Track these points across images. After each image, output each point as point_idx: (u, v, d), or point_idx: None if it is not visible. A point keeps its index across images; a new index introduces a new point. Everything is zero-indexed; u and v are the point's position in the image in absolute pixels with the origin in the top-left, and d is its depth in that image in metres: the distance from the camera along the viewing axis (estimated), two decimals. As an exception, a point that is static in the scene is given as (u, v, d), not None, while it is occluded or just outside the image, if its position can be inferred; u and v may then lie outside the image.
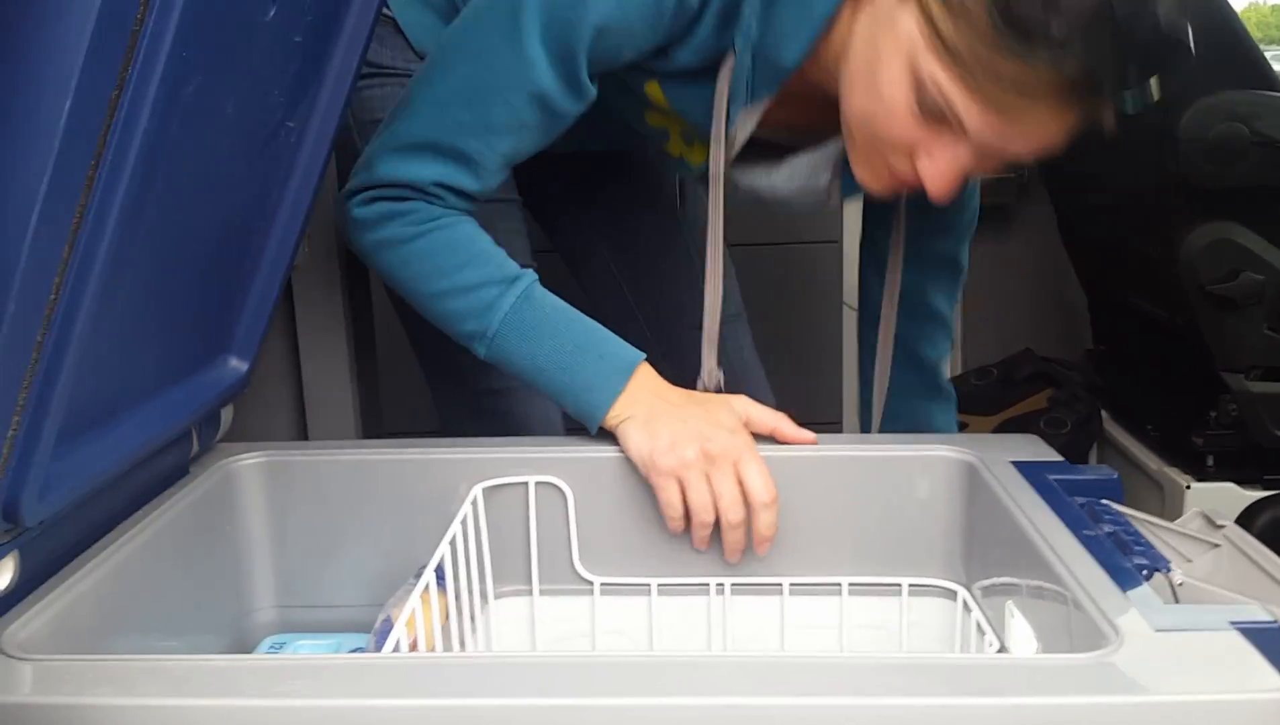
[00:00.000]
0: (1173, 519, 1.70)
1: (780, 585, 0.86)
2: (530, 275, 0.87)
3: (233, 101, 0.63)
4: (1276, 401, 1.60)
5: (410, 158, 0.84)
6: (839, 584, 0.85)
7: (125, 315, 0.62)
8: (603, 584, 0.86)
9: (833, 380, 1.91)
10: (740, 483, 0.81)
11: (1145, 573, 0.63)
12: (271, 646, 0.85)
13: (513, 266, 0.88)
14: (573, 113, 0.85)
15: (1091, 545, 0.65)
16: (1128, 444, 1.88)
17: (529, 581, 0.86)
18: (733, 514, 0.81)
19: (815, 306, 1.89)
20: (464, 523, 0.81)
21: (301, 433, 1.11)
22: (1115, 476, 0.78)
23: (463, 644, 0.81)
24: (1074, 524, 0.68)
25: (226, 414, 0.85)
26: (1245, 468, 1.64)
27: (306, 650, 0.85)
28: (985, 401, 2.09)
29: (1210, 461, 1.66)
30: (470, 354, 1.03)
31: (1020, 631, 0.70)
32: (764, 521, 0.81)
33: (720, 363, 1.09)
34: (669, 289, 1.20)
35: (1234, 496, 1.63)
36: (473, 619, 0.83)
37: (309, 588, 0.87)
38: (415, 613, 0.71)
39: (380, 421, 1.24)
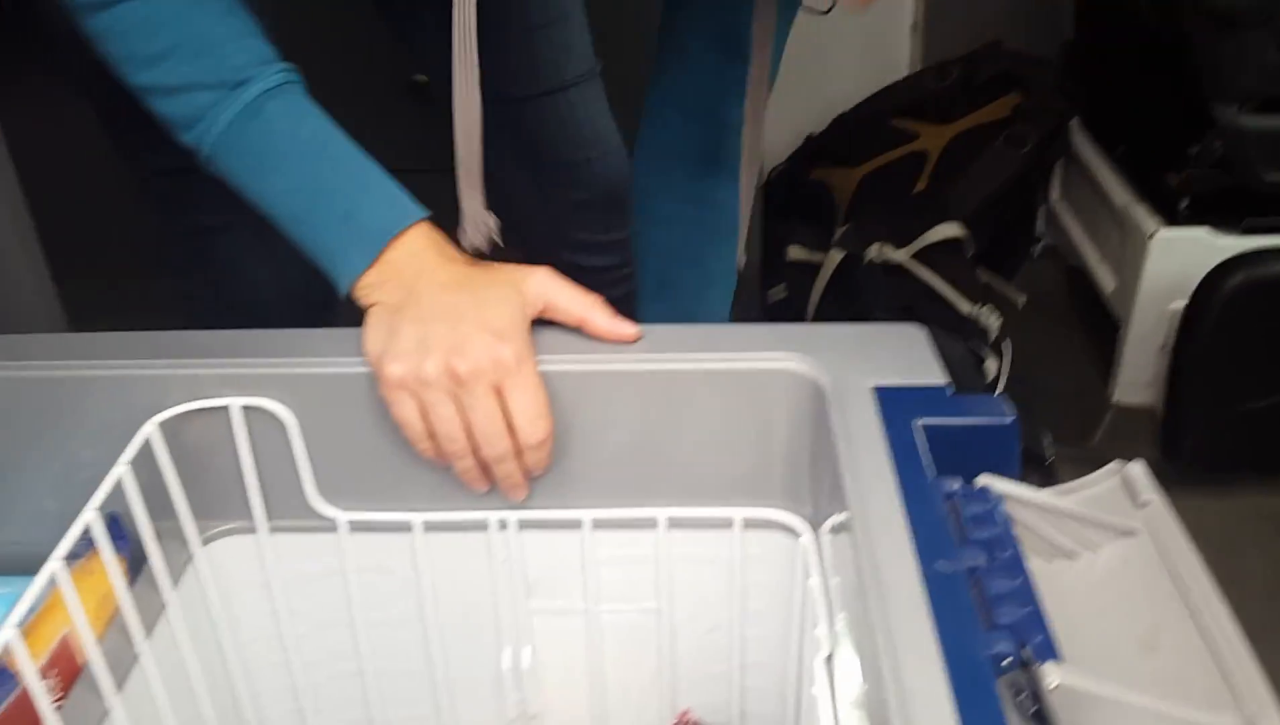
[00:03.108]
0: (1132, 274, 1.50)
1: (579, 521, 0.67)
2: (267, 77, 0.62)
3: None
4: (1271, 139, 1.34)
5: None
6: (653, 518, 0.66)
7: None
8: (351, 521, 0.67)
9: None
10: (504, 408, 0.60)
11: (1007, 661, 0.44)
12: (-69, 602, 0.67)
13: (243, 60, 0.62)
14: None
15: (939, 602, 0.45)
16: (1095, 168, 1.64)
17: (252, 518, 0.67)
18: (490, 447, 0.60)
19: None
20: (143, 458, 0.61)
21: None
22: (1009, 421, 0.56)
23: (164, 601, 0.64)
24: (927, 545, 0.48)
25: None
26: (1222, 213, 1.41)
27: (-21, 603, 0.67)
28: (940, 108, 1.81)
29: (1184, 204, 1.43)
30: (174, 177, 0.77)
31: (848, 667, 0.52)
32: (531, 461, 0.61)
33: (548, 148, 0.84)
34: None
35: (1205, 246, 1.41)
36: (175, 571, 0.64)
37: (-26, 525, 0.68)
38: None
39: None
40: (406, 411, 0.60)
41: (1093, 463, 0.59)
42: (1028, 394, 1.44)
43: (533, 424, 0.59)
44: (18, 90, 1.18)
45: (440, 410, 0.59)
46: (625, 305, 1.05)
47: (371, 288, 0.62)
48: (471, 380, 0.58)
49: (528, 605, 0.70)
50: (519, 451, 0.61)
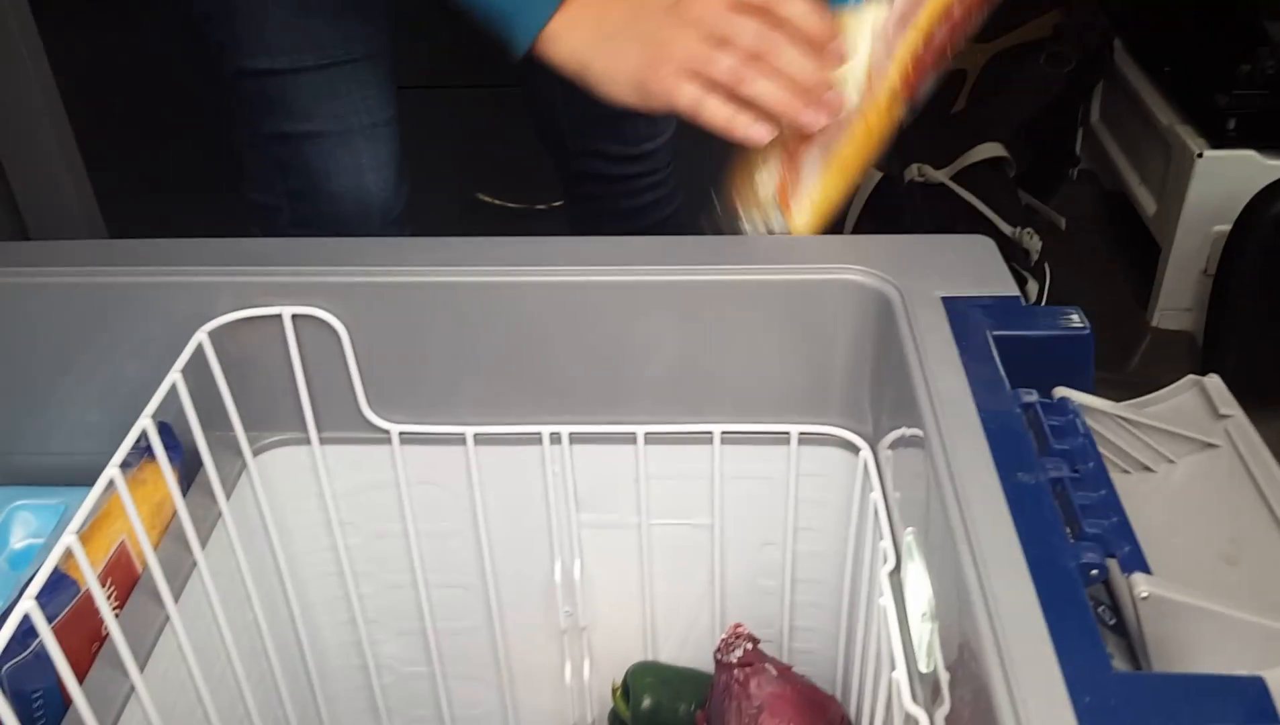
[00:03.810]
0: (1175, 197, 1.47)
1: (633, 435, 0.66)
2: None
3: None
4: (1328, 56, 1.30)
5: None
6: (709, 432, 0.65)
7: None
8: (403, 433, 0.66)
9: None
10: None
11: (1094, 571, 0.43)
12: (-18, 510, 0.67)
13: None
14: None
15: (1022, 514, 0.44)
16: (1139, 88, 1.60)
17: (304, 429, 0.66)
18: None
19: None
20: (193, 368, 0.60)
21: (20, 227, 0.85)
22: (1085, 332, 0.55)
23: (221, 511, 0.63)
24: (1006, 457, 0.47)
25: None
26: (1270, 134, 1.38)
27: (29, 511, 0.67)
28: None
29: (1232, 125, 1.39)
30: (265, 79, 0.75)
31: (918, 580, 0.51)
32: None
33: None
34: None
35: (1253, 168, 1.38)
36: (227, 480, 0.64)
37: (22, 434, 0.68)
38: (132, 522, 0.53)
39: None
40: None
41: (1130, 388, 0.58)
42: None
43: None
44: (60, 9, 1.15)
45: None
46: (650, 214, 1.04)
47: (559, 33, 0.60)
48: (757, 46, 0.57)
49: (578, 518, 0.70)
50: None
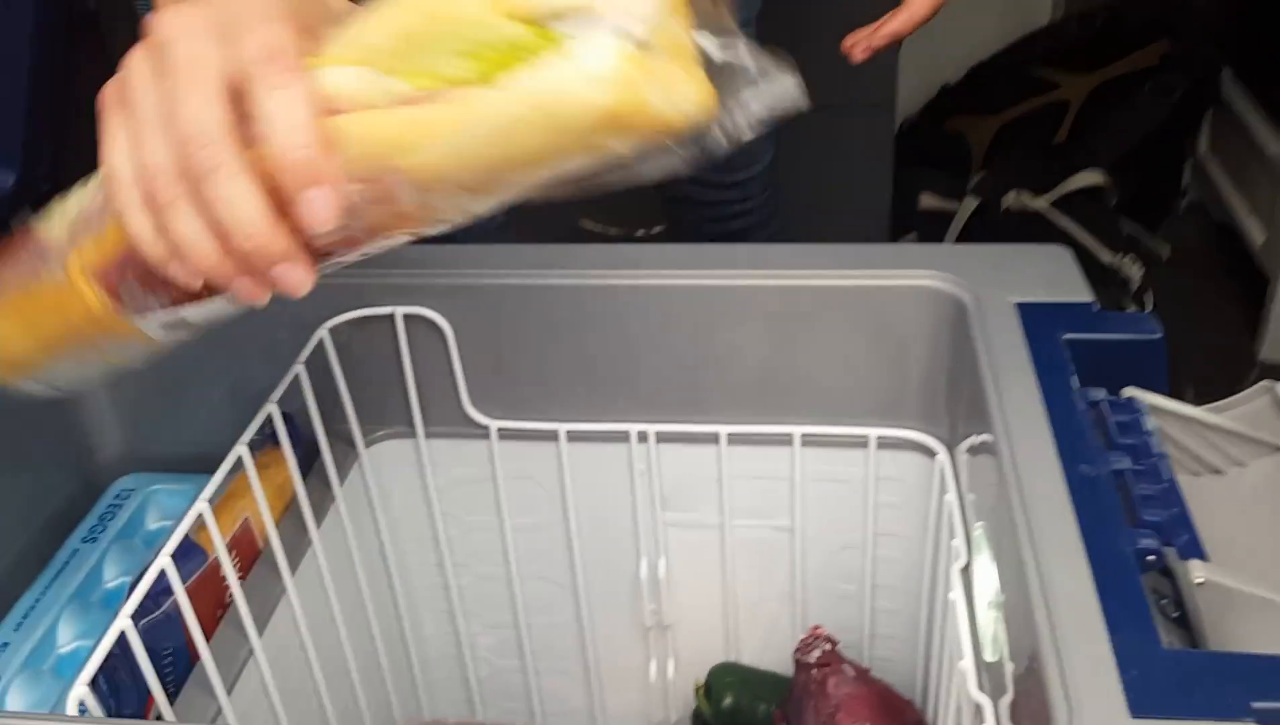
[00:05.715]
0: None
1: (716, 435, 0.69)
2: None
3: None
4: None
5: None
6: (789, 434, 0.68)
7: None
8: (500, 429, 0.70)
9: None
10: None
11: (1152, 557, 0.44)
12: (120, 493, 0.73)
13: None
14: None
15: (1083, 503, 0.46)
16: (1248, 118, 1.57)
17: (410, 423, 0.71)
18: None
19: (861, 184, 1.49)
20: (311, 365, 0.65)
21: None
22: (1157, 336, 0.56)
23: (334, 496, 0.68)
24: (1071, 450, 0.49)
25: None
26: (1387, 164, 1.34)
27: (164, 495, 0.73)
28: (1084, 56, 1.75)
29: (1344, 153, 1.36)
30: None
31: (985, 571, 0.53)
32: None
33: None
34: None
35: (1366, 196, 1.34)
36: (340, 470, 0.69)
37: (158, 424, 0.74)
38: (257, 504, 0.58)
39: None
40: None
41: (1235, 421, 0.59)
42: (1169, 349, 1.40)
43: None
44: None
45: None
46: (740, 239, 1.07)
47: None
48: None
49: (663, 518, 0.73)
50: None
